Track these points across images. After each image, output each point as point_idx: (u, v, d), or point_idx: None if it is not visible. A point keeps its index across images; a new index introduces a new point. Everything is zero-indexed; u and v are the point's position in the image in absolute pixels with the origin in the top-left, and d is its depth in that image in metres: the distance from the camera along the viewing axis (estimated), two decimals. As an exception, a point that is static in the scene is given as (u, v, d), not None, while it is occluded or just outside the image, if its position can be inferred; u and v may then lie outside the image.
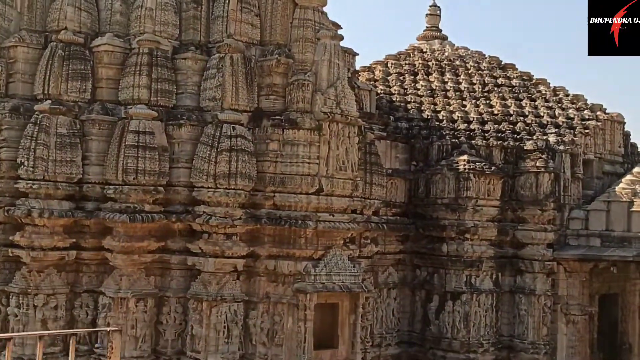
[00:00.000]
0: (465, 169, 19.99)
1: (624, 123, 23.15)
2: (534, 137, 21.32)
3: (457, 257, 19.95)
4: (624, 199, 20.17)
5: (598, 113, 22.79)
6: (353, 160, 16.60)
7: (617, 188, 20.64)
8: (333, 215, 16.30)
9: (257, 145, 16.23)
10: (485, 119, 22.21)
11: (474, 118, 22.17)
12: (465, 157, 20.39)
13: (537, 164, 20.44)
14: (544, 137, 21.32)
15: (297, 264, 15.95)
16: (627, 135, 23.55)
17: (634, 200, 20.01)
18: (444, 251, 20.13)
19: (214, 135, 15.79)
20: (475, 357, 19.75)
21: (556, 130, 21.71)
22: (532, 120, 22.19)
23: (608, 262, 20.16)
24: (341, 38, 16.94)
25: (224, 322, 15.60)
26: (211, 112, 16.20)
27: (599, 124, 22.26)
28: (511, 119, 22.25)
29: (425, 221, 20.68)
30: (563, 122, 22.16)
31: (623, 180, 20.96)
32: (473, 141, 21.19)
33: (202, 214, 15.62)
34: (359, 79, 22.70)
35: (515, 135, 21.50)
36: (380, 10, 59.29)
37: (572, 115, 22.52)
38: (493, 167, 20.48)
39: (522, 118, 22.30)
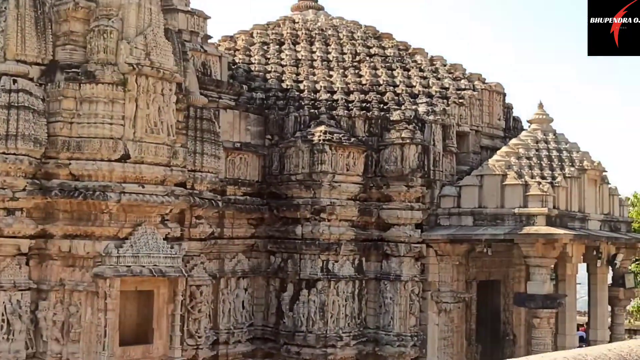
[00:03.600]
0: (320, 140, 17.71)
1: (505, 94, 21.25)
2: (403, 108, 19.20)
3: (313, 240, 17.64)
4: (497, 173, 18.17)
5: (476, 83, 20.84)
6: (169, 123, 14.15)
7: (490, 161, 18.63)
8: (143, 187, 13.80)
9: (49, 104, 13.66)
10: (351, 89, 19.99)
11: (338, 88, 19.93)
12: (322, 127, 18.12)
13: (403, 135, 18.30)
14: (413, 107, 19.22)
15: (97, 244, 13.41)
16: (508, 108, 21.64)
17: (508, 173, 18.01)
18: (298, 234, 17.81)
19: (-10, 90, 13.14)
20: (334, 352, 17.44)
21: (428, 100, 19.64)
22: (402, 90, 20.08)
23: (481, 242, 18.10)
24: (155, -20, 14.48)
25: (3, 315, 12.94)
26: (-7, 65, 13.54)
27: (475, 93, 20.28)
28: (380, 89, 20.08)
29: (280, 201, 18.34)
30: (437, 91, 20.10)
31: (498, 152, 18.98)
32: (334, 112, 18.95)
33: (-26, 185, 12.95)
34: (217, 49, 20.31)
35: (382, 106, 19.34)
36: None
37: (447, 85, 20.50)
38: (353, 139, 18.25)
39: (391, 88, 20.16)
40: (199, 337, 15.56)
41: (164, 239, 14.07)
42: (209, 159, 15.72)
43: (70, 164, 13.52)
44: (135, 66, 13.60)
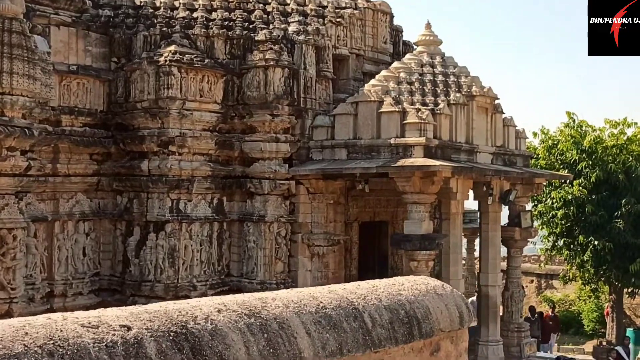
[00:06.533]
0: (166, 61, 15.33)
1: (392, 15, 19.06)
2: (270, 27, 16.89)
3: (160, 177, 15.39)
4: (373, 99, 16.07)
5: (358, 1, 18.58)
6: (-48, 31, 11.60)
7: (366, 86, 16.52)
8: None
9: None
10: (215, 7, 17.56)
11: (200, 5, 17.47)
12: (172, 47, 15.73)
13: (267, 57, 16.04)
14: (283, 27, 16.92)
15: None
16: (397, 31, 19.49)
17: (384, 99, 15.92)
18: (144, 169, 15.54)
19: None
20: (186, 303, 15.30)
21: (301, 19, 17.33)
22: (274, 8, 17.70)
23: (355, 178, 16.06)
24: None
25: None
26: None
27: (356, 12, 18.04)
28: (248, 6, 17.69)
29: (126, 133, 15.99)
30: (312, 10, 17.78)
31: (376, 77, 16.86)
32: (190, 31, 16.55)
33: None
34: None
35: (248, 25, 16.99)
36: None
37: (325, 3, 18.19)
38: (208, 61, 15.91)
39: (261, 6, 17.77)
40: (13, 289, 13.24)
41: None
42: (20, 79, 13.21)
43: None
44: None
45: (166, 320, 3.07)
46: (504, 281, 19.35)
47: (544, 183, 19.78)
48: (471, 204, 19.09)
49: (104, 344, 2.75)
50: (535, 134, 24.13)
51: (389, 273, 19.13)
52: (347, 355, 3.72)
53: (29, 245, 14.51)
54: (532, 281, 33.05)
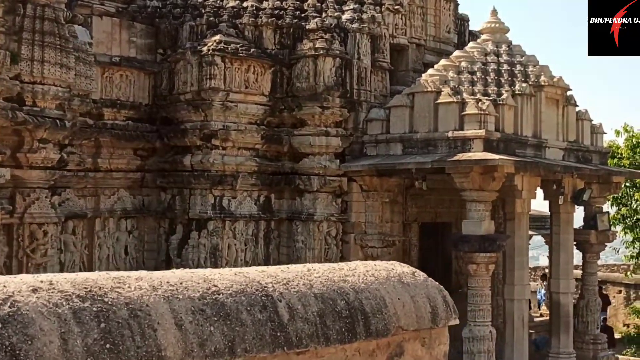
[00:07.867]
0: (210, 50, 14.59)
1: (456, 3, 17.86)
2: (323, 15, 15.96)
3: (203, 172, 14.65)
4: (430, 89, 14.90)
5: (419, -12, 17.44)
6: (-26, 16, 11.15)
7: (423, 76, 15.36)
8: (-62, 96, 10.87)
9: None
10: (266, -4, 16.76)
11: (250, -5, 16.71)
12: (217, 37, 14.99)
13: (317, 46, 15.12)
14: (337, 15, 15.97)
15: None
16: (463, 20, 18.28)
17: (442, 89, 14.74)
18: (187, 164, 14.83)
19: None
20: (229, 305, 14.51)
21: (356, 6, 16.33)
22: (328, -3, 16.77)
23: (409, 174, 14.92)
24: None
25: None
26: None
27: (416, -1, 16.93)
28: (301, -5, 16.82)
29: (170, 127, 15.34)
30: (369, -3, 16.77)
31: (435, 66, 15.67)
32: (238, 20, 15.79)
33: None
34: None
35: (299, 13, 16.11)
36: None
37: (383, -9, 17.14)
38: (253, 50, 15.09)
39: (315, -6, 16.88)
40: (44, 287, 12.67)
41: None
42: (52, 68, 12.68)
43: None
44: None
45: None
46: (579, 289, 17.79)
47: (624, 182, 18.13)
48: (543, 205, 17.63)
49: None
50: (617, 132, 22.40)
51: (453, 277, 17.93)
52: (242, 356, 2.73)
53: (67, 242, 14.02)
54: (620, 292, 30.96)
